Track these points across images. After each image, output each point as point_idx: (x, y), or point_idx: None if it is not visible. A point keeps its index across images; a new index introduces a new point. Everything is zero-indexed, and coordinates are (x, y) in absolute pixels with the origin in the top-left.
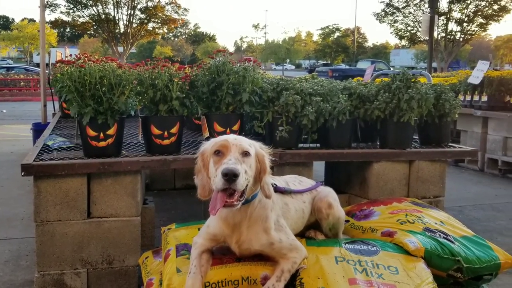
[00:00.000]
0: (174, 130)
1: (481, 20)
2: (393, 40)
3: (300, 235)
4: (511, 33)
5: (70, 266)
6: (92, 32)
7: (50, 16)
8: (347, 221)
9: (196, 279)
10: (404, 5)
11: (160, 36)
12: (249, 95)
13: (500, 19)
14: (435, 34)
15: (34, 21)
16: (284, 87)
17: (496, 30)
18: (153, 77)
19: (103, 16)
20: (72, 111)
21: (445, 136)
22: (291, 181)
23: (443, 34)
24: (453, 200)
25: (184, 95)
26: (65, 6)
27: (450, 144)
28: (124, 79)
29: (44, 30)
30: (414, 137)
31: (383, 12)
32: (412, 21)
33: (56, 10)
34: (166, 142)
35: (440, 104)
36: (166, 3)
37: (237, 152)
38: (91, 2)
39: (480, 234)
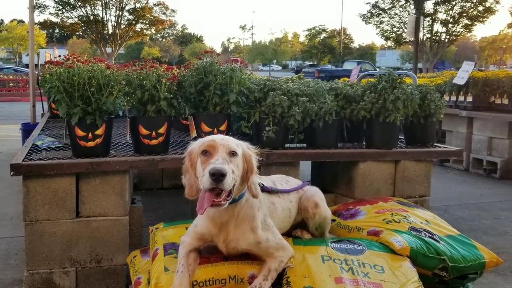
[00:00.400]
0: (162, 130)
1: (466, 21)
2: (379, 41)
3: (287, 234)
4: (496, 34)
5: (59, 265)
6: (81, 33)
7: (39, 17)
8: (333, 220)
9: (183, 278)
10: (390, 6)
11: (148, 37)
12: (236, 95)
13: (485, 20)
14: (421, 35)
15: (23, 22)
16: (271, 88)
17: (481, 31)
18: (141, 77)
19: (91, 17)
20: (61, 112)
21: (431, 136)
22: (278, 180)
23: (429, 35)
24: (439, 199)
25: (171, 96)
26: (54, 7)
27: (436, 144)
28: (113, 80)
29: (33, 31)
30: (399, 137)
31: (369, 13)
32: (397, 22)
33: (45, 11)
34: (154, 142)
35: (425, 104)
36: (154, 5)
37: (224, 152)
38: (79, 3)
39: (465, 233)
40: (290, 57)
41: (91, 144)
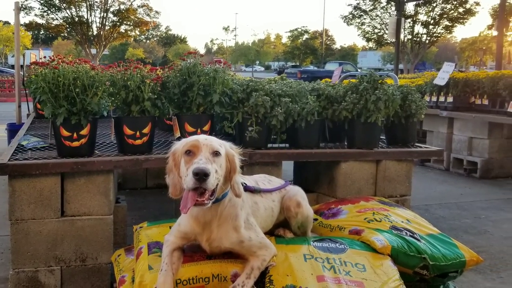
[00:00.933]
0: (146, 130)
1: (447, 23)
2: (361, 42)
3: (270, 233)
4: (476, 36)
5: (44, 263)
6: (66, 35)
7: (24, 18)
8: (315, 219)
9: (167, 276)
10: (371, 8)
11: (132, 38)
12: (220, 96)
13: (465, 21)
14: (402, 36)
15: (9, 23)
16: (253, 88)
17: (461, 33)
18: (125, 78)
19: (76, 19)
20: (46, 112)
21: (412, 136)
22: (260, 180)
23: (410, 37)
24: (420, 199)
25: (155, 96)
26: (39, 9)
27: (417, 144)
28: (97, 81)
29: (19, 32)
30: (381, 137)
31: (350, 15)
32: (379, 23)
33: (30, 12)
34: (138, 142)
35: (406, 105)
36: (138, 6)
37: (208, 152)
38: (64, 5)
39: (445, 232)
40: (273, 58)
41: (76, 144)
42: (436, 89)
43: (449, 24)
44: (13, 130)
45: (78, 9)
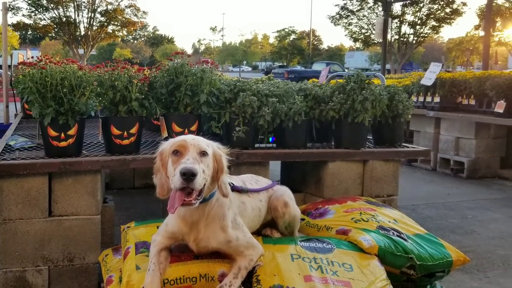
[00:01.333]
0: (133, 130)
1: (434, 23)
2: (348, 43)
3: (257, 233)
4: (463, 36)
5: (32, 263)
6: (53, 35)
7: (12, 19)
8: (302, 219)
9: (155, 276)
10: (359, 8)
11: (119, 39)
12: (207, 96)
13: (452, 21)
14: (389, 36)
15: None
16: (241, 89)
17: (448, 33)
18: (112, 78)
19: (64, 19)
20: (34, 112)
21: (399, 136)
22: (248, 180)
23: (397, 37)
24: (407, 199)
25: (143, 96)
26: (27, 9)
27: (404, 144)
28: (85, 81)
29: (7, 32)
30: (368, 137)
31: (338, 15)
32: (366, 24)
33: (18, 13)
34: (126, 142)
35: (393, 105)
36: (126, 7)
37: (195, 152)
38: (52, 5)
39: (432, 232)
40: (260, 58)
41: (63, 144)
42: (423, 89)
43: (436, 25)
44: (0, 130)
45: (65, 9)
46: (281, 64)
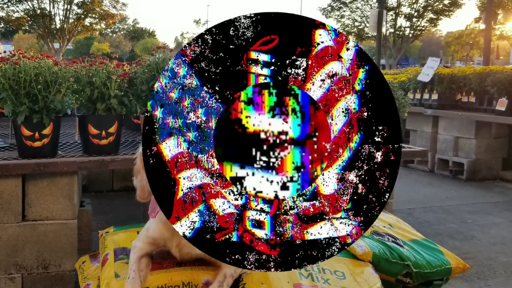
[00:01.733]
0: (112, 129)
1: (431, 15)
2: None
3: None
4: (462, 29)
5: (4, 271)
6: (27, 28)
7: None
8: None
9: (135, 284)
10: None
11: (97, 32)
12: None
13: (451, 14)
14: (384, 30)
15: None
16: None
17: (447, 26)
18: (90, 74)
19: (38, 11)
20: (6, 110)
21: None
22: None
23: (392, 30)
24: (403, 202)
25: (122, 93)
26: None
27: None
28: (60, 77)
29: None
30: None
31: (329, 7)
32: (359, 16)
33: None
34: (104, 142)
35: None
36: None
37: None
38: None
39: (430, 237)
40: None
41: (38, 144)
42: (420, 86)
43: (434, 17)
44: None
45: (40, 1)
46: None
